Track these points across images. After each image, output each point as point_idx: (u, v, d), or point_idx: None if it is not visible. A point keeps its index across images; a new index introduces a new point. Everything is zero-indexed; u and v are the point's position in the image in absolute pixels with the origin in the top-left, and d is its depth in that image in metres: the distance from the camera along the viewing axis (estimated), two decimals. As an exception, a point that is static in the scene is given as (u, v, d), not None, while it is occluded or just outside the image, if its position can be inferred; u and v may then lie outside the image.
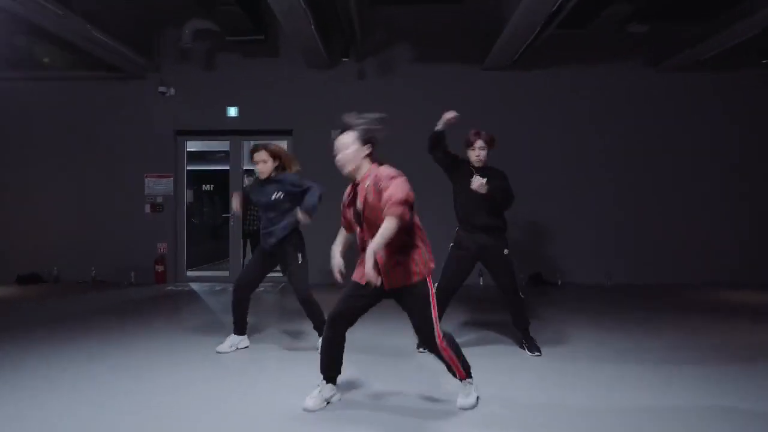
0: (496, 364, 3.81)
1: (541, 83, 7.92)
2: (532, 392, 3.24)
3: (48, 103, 8.09)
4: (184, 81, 8.00)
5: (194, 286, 7.75)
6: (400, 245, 2.79)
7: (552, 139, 7.95)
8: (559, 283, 7.77)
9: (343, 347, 2.99)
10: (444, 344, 2.88)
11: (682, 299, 6.57)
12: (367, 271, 2.59)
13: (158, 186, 8.04)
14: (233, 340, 4.22)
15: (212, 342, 4.32)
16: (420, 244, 2.87)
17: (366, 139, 2.84)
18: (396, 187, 2.66)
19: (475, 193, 3.93)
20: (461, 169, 4.10)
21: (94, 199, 8.03)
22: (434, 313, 2.85)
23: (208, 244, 9.57)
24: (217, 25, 7.03)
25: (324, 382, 3.02)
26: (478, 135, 4.05)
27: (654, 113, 7.91)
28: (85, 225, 8.03)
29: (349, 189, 2.98)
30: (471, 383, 3.00)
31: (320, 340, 4.14)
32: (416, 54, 7.97)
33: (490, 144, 4.08)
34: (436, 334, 2.85)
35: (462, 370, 2.97)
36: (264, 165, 4.08)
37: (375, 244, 2.59)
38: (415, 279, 2.82)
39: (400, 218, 2.62)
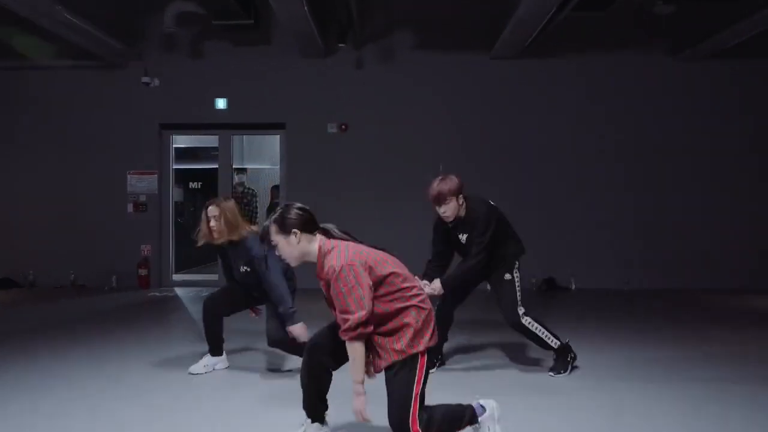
0: (508, 393, 3.27)
1: (554, 73, 7.35)
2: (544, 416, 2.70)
3: (22, 95, 7.52)
4: (169, 71, 7.44)
5: (179, 291, 7.20)
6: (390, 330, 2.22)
7: (564, 134, 7.39)
8: (573, 287, 7.23)
9: (327, 380, 2.43)
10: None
11: (706, 306, 6.04)
12: (356, 409, 2.19)
13: (141, 183, 7.48)
14: (209, 361, 3.67)
15: (188, 360, 3.77)
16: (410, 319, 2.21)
17: (287, 227, 2.30)
18: (342, 303, 2.14)
19: (463, 247, 3.51)
20: (441, 229, 3.60)
21: (72, 198, 7.47)
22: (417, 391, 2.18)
23: (192, 247, 8.99)
24: (202, 8, 6.48)
25: (309, 421, 2.47)
26: (436, 199, 3.38)
27: (674, 106, 7.34)
28: (63, 225, 7.46)
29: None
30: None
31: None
32: (418, 41, 7.41)
33: (449, 196, 3.36)
34: (410, 417, 2.14)
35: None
36: (218, 224, 3.44)
37: (355, 378, 2.17)
38: (395, 358, 2.18)
39: (359, 339, 2.15)
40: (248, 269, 3.47)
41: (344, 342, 2.20)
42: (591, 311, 5.91)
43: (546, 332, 3.54)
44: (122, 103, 7.46)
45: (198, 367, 3.61)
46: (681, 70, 7.32)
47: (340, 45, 7.11)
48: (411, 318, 2.19)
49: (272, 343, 3.49)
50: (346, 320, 2.12)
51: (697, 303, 6.29)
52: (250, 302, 3.70)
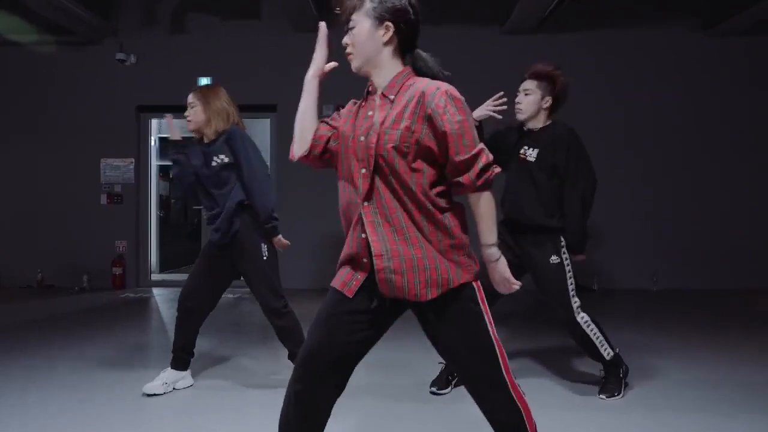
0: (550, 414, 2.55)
1: (573, 50, 6.60)
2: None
3: (-17, 73, 6.80)
4: (148, 47, 6.70)
5: (157, 292, 6.46)
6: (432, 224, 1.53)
7: (586, 117, 6.63)
8: (596, 288, 6.51)
9: (326, 413, 1.65)
10: (519, 389, 1.59)
11: (750, 309, 5.33)
12: (502, 278, 1.58)
13: (116, 172, 6.75)
14: (169, 377, 2.93)
15: (148, 375, 3.05)
16: (460, 228, 1.57)
17: (391, 17, 1.63)
18: (468, 134, 1.50)
19: (522, 170, 2.75)
20: (507, 140, 2.87)
21: (39, 188, 6.73)
22: (495, 335, 1.57)
23: (181, 244, 8.26)
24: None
25: None
26: (533, 74, 2.79)
27: (709, 86, 6.61)
28: (29, 219, 6.73)
29: (352, 107, 1.74)
30: None
31: None
32: (422, 12, 6.67)
33: (541, 78, 2.78)
34: (504, 370, 1.56)
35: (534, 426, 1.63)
36: (193, 110, 2.90)
37: (490, 240, 1.56)
38: (461, 280, 1.53)
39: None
40: (223, 159, 2.79)
41: (353, 342, 1.57)
42: (623, 315, 5.20)
43: (601, 337, 2.79)
44: (95, 83, 6.73)
45: (155, 385, 2.87)
46: (717, 44, 6.59)
47: (336, 10, 6.36)
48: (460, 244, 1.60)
49: (272, 315, 2.85)
50: (476, 157, 1.50)
51: (743, 304, 5.57)
52: (228, 276, 2.97)
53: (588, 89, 6.64)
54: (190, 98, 2.92)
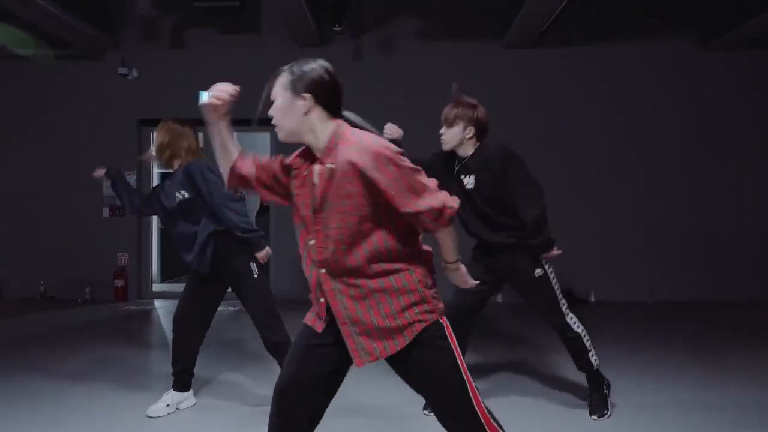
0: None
1: (572, 63, 6.69)
2: None
3: (-14, 87, 6.88)
4: (149, 61, 6.79)
5: (159, 304, 6.53)
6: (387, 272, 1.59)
7: (584, 130, 6.72)
8: (592, 300, 6.55)
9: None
10: (490, 418, 1.63)
11: (749, 322, 5.36)
12: (465, 279, 1.72)
13: (119, 185, 6.81)
14: (172, 399, 2.99)
15: (148, 397, 3.10)
16: (417, 265, 1.64)
17: (307, 88, 1.66)
18: (413, 181, 1.53)
19: (468, 197, 2.77)
20: (440, 168, 2.86)
21: (42, 201, 6.80)
22: (464, 368, 1.62)
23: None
24: (182, -12, 5.85)
25: None
26: (450, 104, 2.82)
27: (708, 98, 6.65)
28: (31, 231, 6.80)
29: (294, 159, 1.77)
30: None
31: None
32: (421, 28, 6.76)
33: (462, 119, 2.77)
34: (475, 402, 1.61)
35: None
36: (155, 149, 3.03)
37: (452, 257, 1.67)
38: (427, 323, 1.60)
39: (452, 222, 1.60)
40: (185, 194, 2.86)
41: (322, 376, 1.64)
42: (615, 327, 5.24)
43: (590, 341, 2.87)
44: (98, 97, 6.81)
45: (158, 408, 2.93)
46: (714, 59, 6.65)
47: (336, 28, 6.44)
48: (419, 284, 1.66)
49: (269, 347, 2.92)
50: (431, 203, 1.53)
51: (743, 317, 5.62)
52: (219, 294, 3.05)
53: (588, 101, 6.72)
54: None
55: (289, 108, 1.67)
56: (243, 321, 5.34)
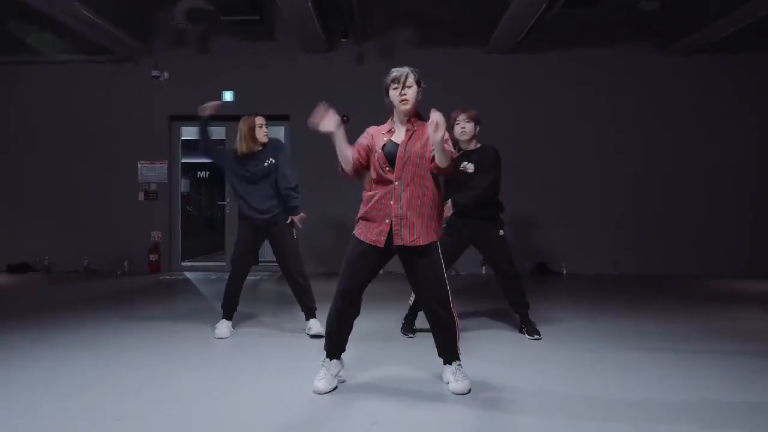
0: (493, 350, 3.61)
1: (547, 67, 7.69)
2: (533, 378, 3.02)
3: (37, 88, 7.87)
4: (178, 65, 7.78)
5: (189, 275, 7.55)
6: (432, 198, 2.73)
7: (558, 124, 7.73)
8: (564, 272, 7.56)
9: (353, 322, 2.85)
10: (455, 310, 2.80)
11: (693, 290, 6.36)
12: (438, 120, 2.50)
13: (152, 173, 7.83)
14: (227, 325, 4.03)
15: (203, 329, 4.12)
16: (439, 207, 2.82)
17: (420, 82, 2.79)
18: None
19: (465, 178, 3.81)
20: None
21: (85, 186, 7.82)
22: (445, 277, 2.81)
23: (202, 236, 9.35)
24: (210, 3, 6.80)
25: (328, 360, 2.83)
26: (461, 108, 3.88)
27: (664, 98, 7.68)
28: (76, 213, 7.82)
29: (374, 131, 2.83)
30: (461, 365, 2.83)
31: (311, 322, 3.97)
32: (417, 36, 7.74)
33: (474, 119, 3.87)
34: (449, 298, 2.77)
35: (459, 349, 2.84)
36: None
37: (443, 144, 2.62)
38: (432, 239, 2.73)
39: (450, 166, 2.66)
40: (273, 160, 3.89)
41: (367, 278, 2.78)
42: (580, 292, 6.24)
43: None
44: (133, 96, 7.80)
45: (223, 331, 3.96)
46: (671, 63, 7.64)
47: (342, 40, 7.44)
48: (440, 217, 2.89)
49: (300, 279, 3.95)
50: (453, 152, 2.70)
51: (690, 286, 6.61)
52: (258, 244, 4.11)
53: (557, 100, 7.69)
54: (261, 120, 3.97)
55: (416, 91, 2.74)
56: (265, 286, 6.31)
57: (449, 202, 3.73)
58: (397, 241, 2.68)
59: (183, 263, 8.21)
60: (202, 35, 7.81)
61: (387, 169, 2.69)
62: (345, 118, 7.77)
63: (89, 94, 7.83)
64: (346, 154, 2.76)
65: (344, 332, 2.84)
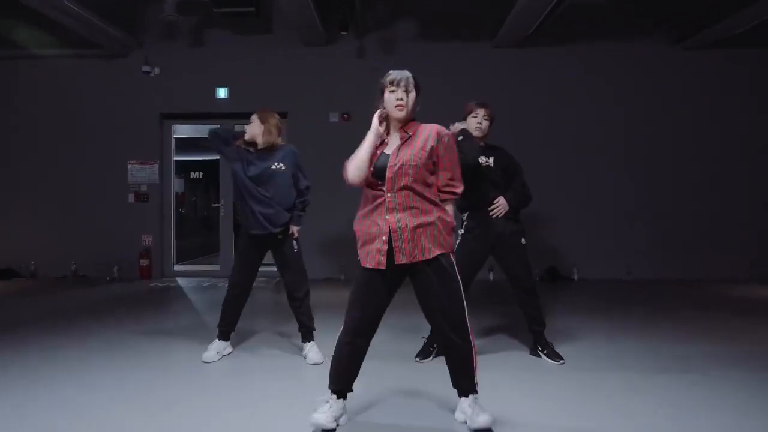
0: (512, 377, 3.26)
1: (556, 62, 7.31)
2: (552, 410, 2.68)
3: (21, 84, 7.49)
4: (170, 60, 7.39)
5: (181, 281, 7.19)
6: (435, 205, 2.43)
7: (567, 123, 7.35)
8: (576, 278, 7.21)
9: (362, 360, 2.51)
10: (473, 336, 2.44)
11: (712, 297, 6.02)
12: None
13: (142, 173, 7.45)
14: (219, 346, 3.66)
15: (195, 349, 3.77)
16: (444, 212, 2.47)
17: (418, 89, 2.50)
18: (456, 169, 2.50)
19: (487, 172, 3.53)
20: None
21: (73, 188, 7.44)
22: (463, 297, 2.43)
23: (196, 237, 9.00)
24: (203, -5, 6.43)
25: (334, 397, 2.49)
26: (481, 104, 3.59)
27: (680, 95, 7.30)
28: (63, 216, 7.45)
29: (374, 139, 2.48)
30: (478, 397, 2.49)
31: (307, 347, 3.62)
32: (420, 29, 7.36)
33: (491, 118, 3.62)
34: (466, 317, 2.41)
35: (477, 379, 2.48)
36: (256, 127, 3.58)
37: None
38: (442, 250, 2.39)
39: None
40: (282, 167, 3.52)
41: (380, 306, 2.44)
42: (597, 302, 5.90)
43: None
44: (123, 93, 7.42)
45: (211, 354, 3.59)
46: (687, 57, 7.26)
47: (342, 33, 7.06)
48: (446, 222, 2.48)
49: (302, 296, 3.60)
50: (455, 187, 2.47)
51: (708, 292, 6.27)
52: (261, 258, 3.70)
53: (571, 98, 7.32)
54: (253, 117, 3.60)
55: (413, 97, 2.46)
56: (262, 294, 5.98)
57: (501, 199, 3.51)
58: (399, 259, 2.34)
59: (177, 266, 7.85)
60: (195, 28, 7.42)
61: (379, 183, 2.40)
62: (345, 115, 7.42)
63: (76, 90, 7.45)
64: (366, 161, 2.43)
65: (354, 371, 2.50)
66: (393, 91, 2.41)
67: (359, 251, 2.46)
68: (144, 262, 7.33)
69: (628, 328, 4.49)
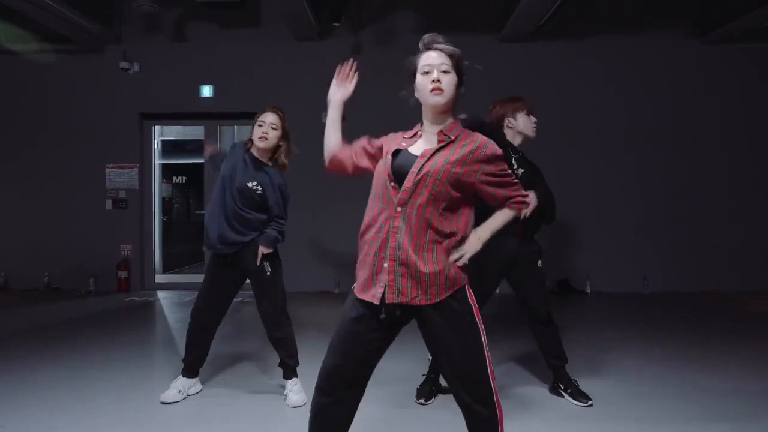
0: (528, 420, 2.71)
1: (568, 58, 6.77)
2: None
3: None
4: (151, 55, 6.84)
5: (162, 295, 6.63)
6: (455, 236, 1.81)
7: (580, 124, 6.81)
8: (589, 291, 6.66)
9: (350, 419, 1.88)
10: (498, 399, 1.82)
11: (739, 311, 5.48)
12: (470, 249, 1.80)
13: (121, 178, 6.90)
14: (183, 385, 3.10)
15: (157, 383, 3.22)
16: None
17: (463, 74, 1.88)
18: (511, 179, 1.87)
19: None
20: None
21: (46, 194, 6.89)
22: (486, 348, 1.80)
23: (182, 245, 8.45)
24: (184, -16, 5.89)
25: None
26: (528, 103, 3.17)
27: (702, 92, 6.75)
28: (36, 223, 6.90)
29: (393, 135, 1.98)
30: None
31: (289, 385, 3.08)
32: (419, 23, 6.82)
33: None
34: (490, 378, 1.79)
35: None
36: (273, 132, 3.02)
37: (486, 229, 1.86)
38: (452, 288, 1.78)
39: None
40: (259, 188, 2.98)
41: (371, 351, 1.83)
42: (610, 316, 5.35)
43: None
44: (99, 91, 6.87)
45: (171, 394, 3.03)
46: (710, 52, 6.72)
47: (335, 24, 6.51)
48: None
49: (275, 327, 3.05)
50: (525, 195, 1.90)
51: (734, 307, 5.73)
52: (235, 288, 3.11)
53: (584, 94, 6.79)
54: (273, 119, 3.03)
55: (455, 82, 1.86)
56: (246, 311, 5.46)
57: (532, 193, 2.76)
58: (391, 298, 1.75)
59: (159, 277, 7.31)
60: (177, 21, 6.88)
61: (392, 184, 1.78)
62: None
63: (48, 89, 6.90)
64: (331, 137, 2.00)
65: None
66: (428, 72, 1.84)
67: (357, 273, 1.87)
68: (122, 273, 6.79)
69: (657, 354, 3.95)
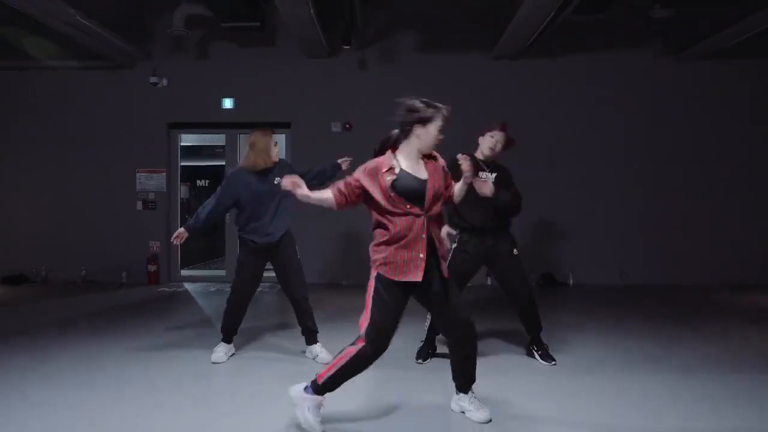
0: (501, 377, 3.45)
1: (555, 73, 7.51)
2: (545, 406, 2.91)
3: (32, 94, 7.70)
4: (177, 71, 7.61)
5: (188, 286, 7.39)
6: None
7: (565, 132, 7.55)
8: (571, 283, 7.40)
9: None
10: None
11: (705, 301, 6.21)
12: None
13: (150, 181, 7.66)
14: (224, 349, 3.89)
15: (199, 354, 3.97)
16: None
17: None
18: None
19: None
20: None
21: (82, 196, 7.65)
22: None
23: (200, 242, 9.18)
24: (210, 10, 6.62)
25: (321, 397, 2.66)
26: (502, 126, 3.75)
27: (675, 105, 7.49)
28: (73, 223, 7.66)
29: (372, 171, 2.59)
30: (475, 394, 2.81)
31: (315, 348, 3.82)
32: (420, 41, 7.56)
33: (508, 143, 3.76)
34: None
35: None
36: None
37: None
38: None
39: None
40: (280, 179, 3.65)
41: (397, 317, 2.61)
42: (588, 305, 6.08)
43: None
44: (131, 103, 7.63)
45: (219, 356, 3.83)
46: (683, 68, 7.46)
47: (345, 47, 7.27)
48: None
49: (303, 300, 3.81)
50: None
51: (700, 297, 6.45)
52: (260, 276, 3.91)
53: (565, 107, 7.52)
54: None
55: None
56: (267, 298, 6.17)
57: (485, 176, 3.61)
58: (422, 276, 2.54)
59: (183, 270, 8.05)
60: (202, 41, 7.64)
61: (408, 206, 2.53)
62: (347, 125, 7.62)
63: (86, 101, 7.65)
64: (324, 198, 2.65)
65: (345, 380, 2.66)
66: (441, 129, 2.65)
67: (386, 266, 2.53)
68: (152, 267, 7.54)
69: (621, 330, 4.69)
